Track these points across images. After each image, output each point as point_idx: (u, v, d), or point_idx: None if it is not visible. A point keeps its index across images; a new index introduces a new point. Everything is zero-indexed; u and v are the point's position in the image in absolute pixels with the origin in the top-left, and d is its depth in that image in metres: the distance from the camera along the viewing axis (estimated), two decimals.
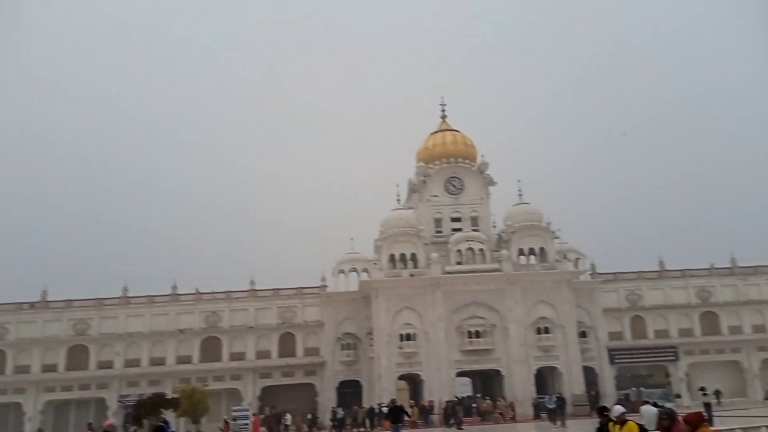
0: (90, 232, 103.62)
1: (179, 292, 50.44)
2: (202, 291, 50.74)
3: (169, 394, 35.55)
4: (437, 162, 53.17)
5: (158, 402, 19.57)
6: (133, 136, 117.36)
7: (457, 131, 55.37)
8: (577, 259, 51.43)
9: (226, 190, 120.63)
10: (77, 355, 48.02)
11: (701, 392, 23.96)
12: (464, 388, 57.81)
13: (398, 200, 51.91)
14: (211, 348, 48.90)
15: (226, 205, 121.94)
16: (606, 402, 36.94)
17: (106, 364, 47.93)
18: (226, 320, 49.47)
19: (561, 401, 32.95)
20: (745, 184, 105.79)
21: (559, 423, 30.06)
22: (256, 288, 50.70)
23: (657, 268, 52.53)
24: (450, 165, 52.83)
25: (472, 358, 46.07)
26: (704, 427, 8.00)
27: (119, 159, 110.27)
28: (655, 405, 18.16)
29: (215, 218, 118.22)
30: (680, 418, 8.48)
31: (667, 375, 49.74)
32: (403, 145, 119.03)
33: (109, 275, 77.95)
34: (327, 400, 47.10)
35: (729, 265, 52.51)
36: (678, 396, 46.95)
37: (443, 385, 44.91)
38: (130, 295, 50.05)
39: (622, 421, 10.55)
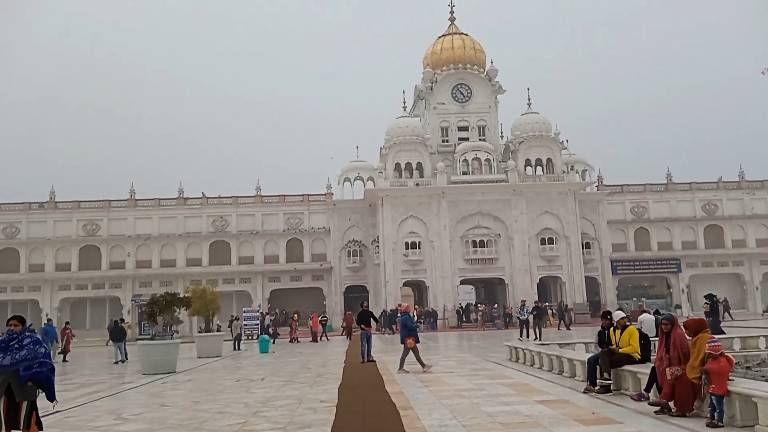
0: (96, 135, 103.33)
1: (186, 196, 50.82)
2: (208, 195, 51.03)
3: (182, 294, 36.45)
4: (444, 68, 51.52)
5: (171, 300, 19.98)
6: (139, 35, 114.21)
7: (465, 35, 53.35)
8: (584, 170, 51.11)
9: (234, 96, 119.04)
10: (89, 256, 49.08)
11: (706, 301, 22.01)
12: (468, 295, 59.32)
13: (404, 107, 51.00)
14: (219, 251, 49.83)
15: (233, 109, 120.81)
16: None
17: (118, 265, 49.05)
18: (234, 225, 50.10)
19: (539, 311, 29.92)
20: (755, 99, 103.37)
21: (528, 334, 27.75)
22: (263, 194, 51.05)
23: (664, 181, 52.32)
24: (458, 71, 51.24)
25: (476, 267, 46.77)
26: (705, 333, 8.07)
27: (127, 61, 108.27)
28: (656, 313, 18.44)
29: (223, 123, 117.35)
30: (680, 324, 8.57)
31: (668, 286, 50.67)
32: (411, 50, 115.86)
33: (116, 179, 78.55)
34: (334, 304, 48.53)
35: (737, 179, 52.23)
36: (678, 306, 47.92)
37: (447, 292, 45.95)
38: (138, 198, 50.52)
39: (623, 326, 10.70)
